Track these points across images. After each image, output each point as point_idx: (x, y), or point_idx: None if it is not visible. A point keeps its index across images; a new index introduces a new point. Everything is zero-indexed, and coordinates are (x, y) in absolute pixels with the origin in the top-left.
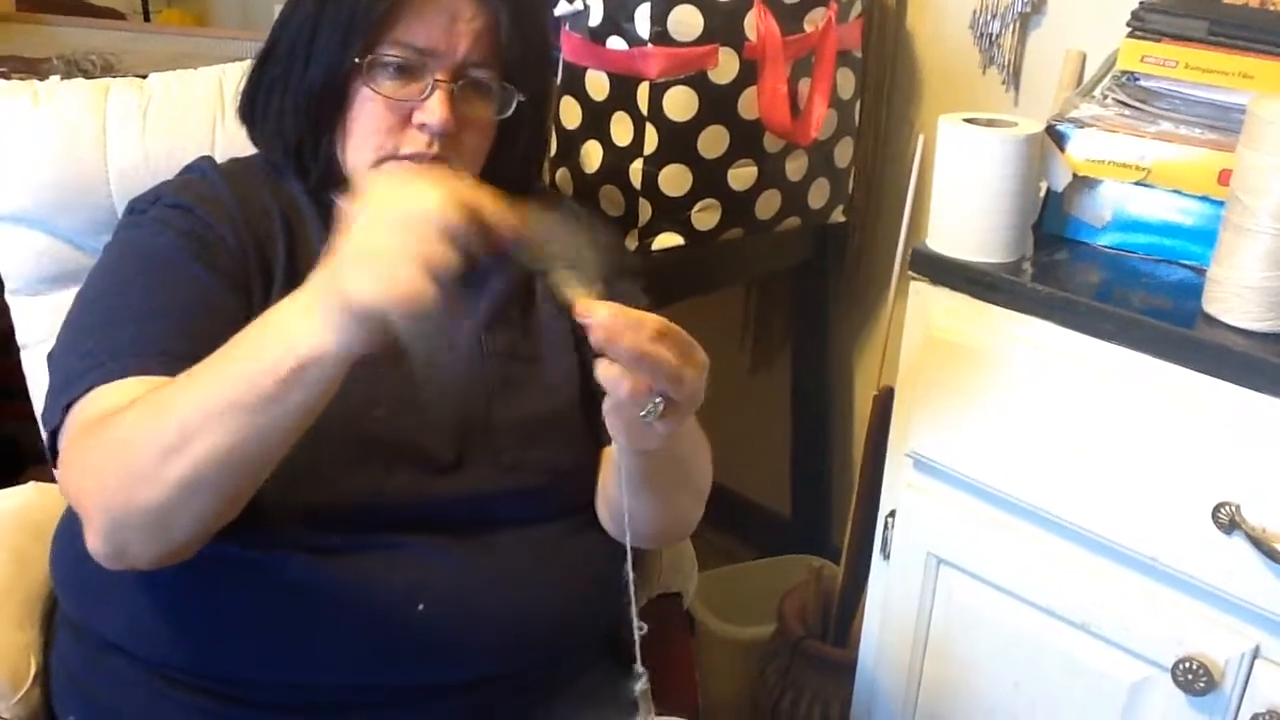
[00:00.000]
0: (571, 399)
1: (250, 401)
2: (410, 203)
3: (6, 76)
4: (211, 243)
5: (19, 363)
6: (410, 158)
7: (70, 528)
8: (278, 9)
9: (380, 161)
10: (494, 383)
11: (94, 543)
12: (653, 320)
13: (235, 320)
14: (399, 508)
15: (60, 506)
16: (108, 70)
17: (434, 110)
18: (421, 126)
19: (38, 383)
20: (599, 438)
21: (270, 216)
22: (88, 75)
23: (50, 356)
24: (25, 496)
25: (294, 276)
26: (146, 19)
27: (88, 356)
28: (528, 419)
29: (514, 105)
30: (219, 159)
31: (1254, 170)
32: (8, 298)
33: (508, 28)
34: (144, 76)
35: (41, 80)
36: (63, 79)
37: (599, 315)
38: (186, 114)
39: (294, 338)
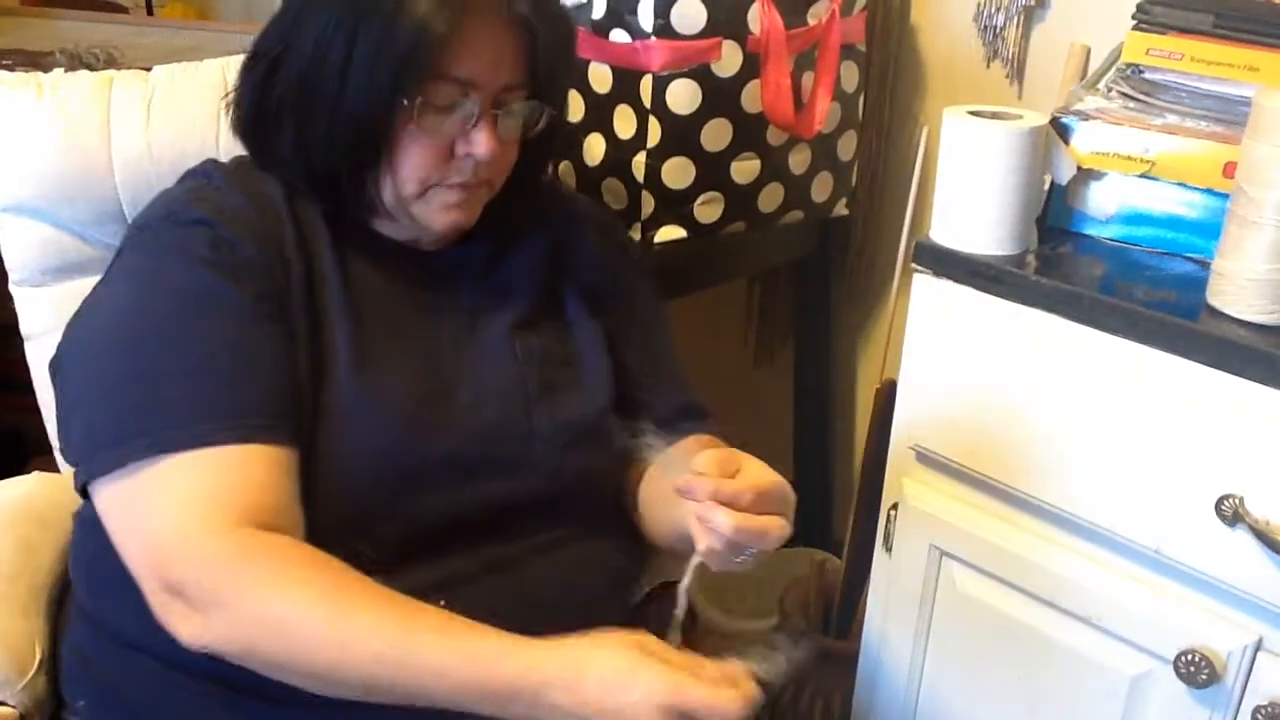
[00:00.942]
0: (606, 402)
1: (423, 680)
2: None
3: (10, 69)
4: (242, 263)
5: (22, 354)
6: (457, 186)
7: (90, 521)
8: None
9: (424, 191)
10: (533, 389)
11: (183, 631)
12: (749, 494)
13: (284, 346)
14: (429, 517)
15: (64, 496)
16: (111, 63)
17: (481, 143)
18: (467, 156)
19: (40, 374)
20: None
21: (281, 221)
22: (91, 68)
23: (69, 400)
24: (29, 486)
25: (311, 293)
26: (150, 12)
27: (147, 409)
28: (566, 425)
29: (544, 121)
30: (222, 153)
31: (1259, 163)
32: (11, 288)
33: (545, 49)
34: (148, 69)
35: (45, 73)
36: (66, 72)
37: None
38: (190, 107)
39: (509, 672)
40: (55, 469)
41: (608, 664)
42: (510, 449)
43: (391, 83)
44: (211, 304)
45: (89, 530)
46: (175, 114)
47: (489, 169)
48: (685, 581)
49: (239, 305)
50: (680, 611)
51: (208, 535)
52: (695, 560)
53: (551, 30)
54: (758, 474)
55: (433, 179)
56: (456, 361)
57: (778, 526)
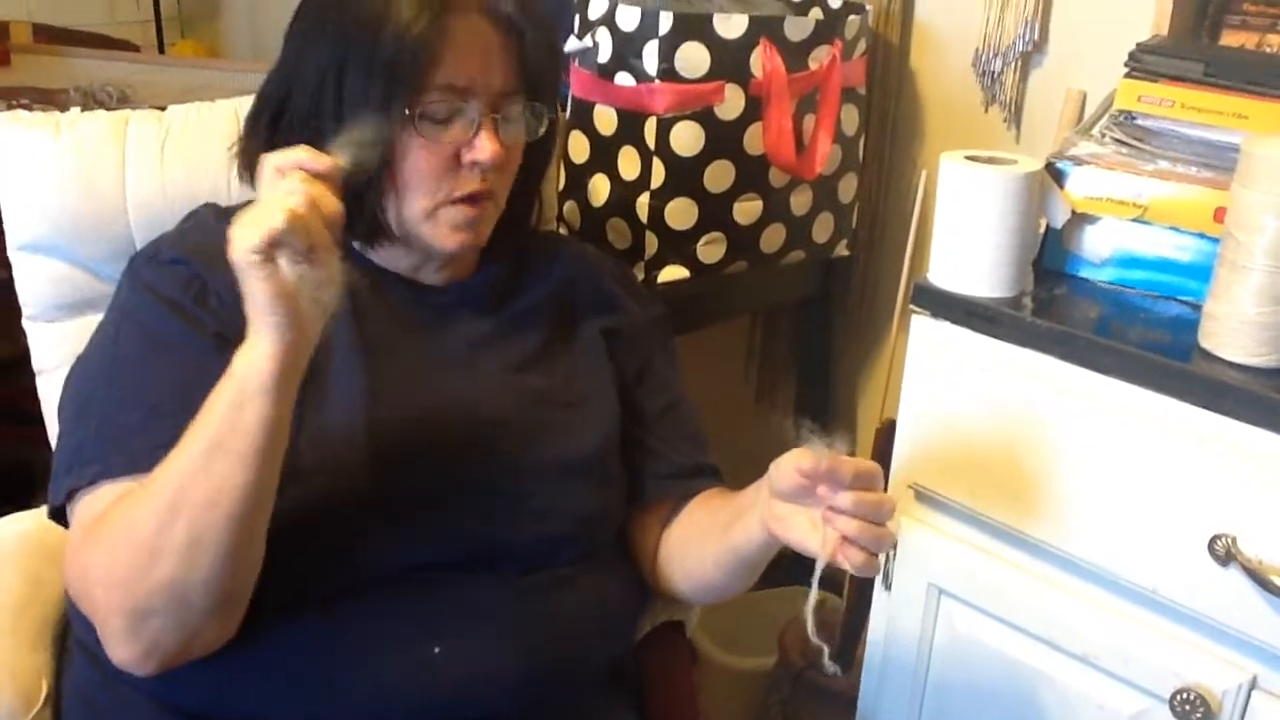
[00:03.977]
0: (608, 443)
1: (222, 436)
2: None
3: (28, 108)
4: (210, 303)
5: (33, 387)
6: (466, 199)
7: None
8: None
9: (436, 209)
10: (529, 427)
11: (121, 650)
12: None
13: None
14: (421, 552)
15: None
16: (124, 101)
17: (485, 148)
18: (473, 165)
19: (51, 407)
20: (633, 482)
21: None
22: (104, 106)
23: (59, 417)
24: (39, 520)
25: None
26: (161, 50)
27: (91, 444)
28: (560, 466)
29: (545, 124)
30: (235, 192)
31: (1248, 208)
32: (25, 323)
33: (533, 48)
34: (162, 108)
35: (61, 111)
36: (81, 110)
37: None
38: (203, 146)
39: (235, 367)
40: None
41: None
42: (498, 489)
43: (385, 96)
44: (168, 344)
45: None
46: (189, 153)
47: (495, 176)
48: (810, 600)
49: (193, 345)
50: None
51: (79, 556)
52: (820, 565)
53: (538, 31)
54: (847, 459)
55: (440, 193)
56: (449, 400)
57: (888, 497)
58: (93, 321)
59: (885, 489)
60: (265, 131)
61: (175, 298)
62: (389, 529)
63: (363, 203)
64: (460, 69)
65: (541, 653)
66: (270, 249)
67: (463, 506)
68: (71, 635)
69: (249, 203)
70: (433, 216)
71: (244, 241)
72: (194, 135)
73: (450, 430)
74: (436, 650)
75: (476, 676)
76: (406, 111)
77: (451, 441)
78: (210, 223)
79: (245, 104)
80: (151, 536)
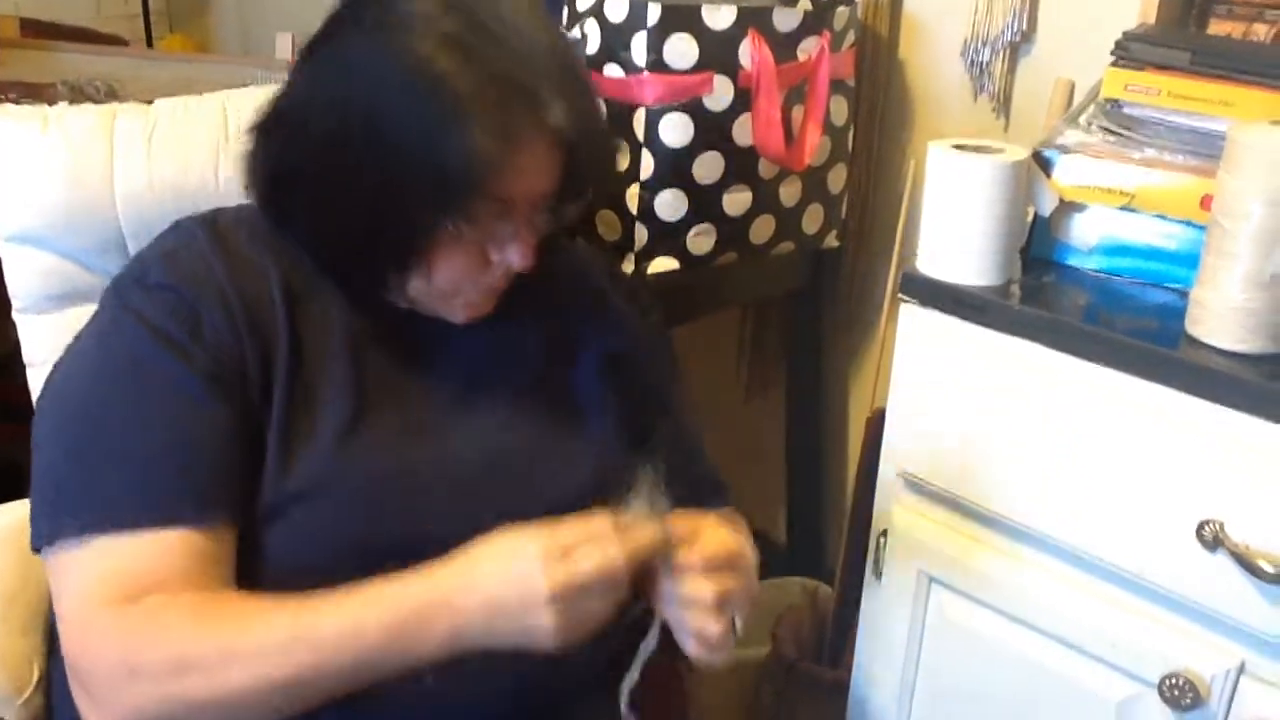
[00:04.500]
0: (604, 473)
1: (374, 663)
2: (594, 573)
3: (16, 102)
4: (201, 335)
5: (25, 382)
6: (487, 288)
7: None
8: (277, 36)
9: (456, 294)
10: (524, 464)
11: (101, 714)
12: (725, 558)
13: (235, 426)
14: None
15: None
16: (112, 96)
17: (521, 255)
18: (503, 263)
19: None
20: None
21: (267, 289)
22: (92, 100)
23: (36, 434)
24: (28, 509)
25: (298, 367)
26: (149, 45)
27: (76, 490)
28: (555, 502)
29: (576, 214)
30: (222, 185)
31: (1233, 195)
32: (15, 316)
33: (589, 161)
34: (149, 102)
35: (49, 105)
36: (69, 104)
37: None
38: (190, 139)
39: (456, 638)
40: None
41: (492, 551)
42: (492, 527)
43: (434, 201)
44: (156, 381)
45: None
46: (176, 146)
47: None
48: (634, 670)
49: (185, 383)
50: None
51: (98, 623)
52: (647, 645)
53: (595, 143)
54: (712, 541)
55: (465, 284)
56: (444, 436)
57: (717, 594)
58: (81, 312)
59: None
60: (278, 158)
61: (166, 329)
62: (367, 570)
63: (377, 273)
64: (515, 185)
65: (536, 665)
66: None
67: (446, 549)
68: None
69: (240, 209)
70: (451, 299)
71: (555, 585)
72: (181, 128)
73: (439, 471)
74: (429, 680)
75: (473, 695)
76: (450, 225)
77: (435, 492)
78: (202, 243)
79: (233, 98)
80: (199, 678)
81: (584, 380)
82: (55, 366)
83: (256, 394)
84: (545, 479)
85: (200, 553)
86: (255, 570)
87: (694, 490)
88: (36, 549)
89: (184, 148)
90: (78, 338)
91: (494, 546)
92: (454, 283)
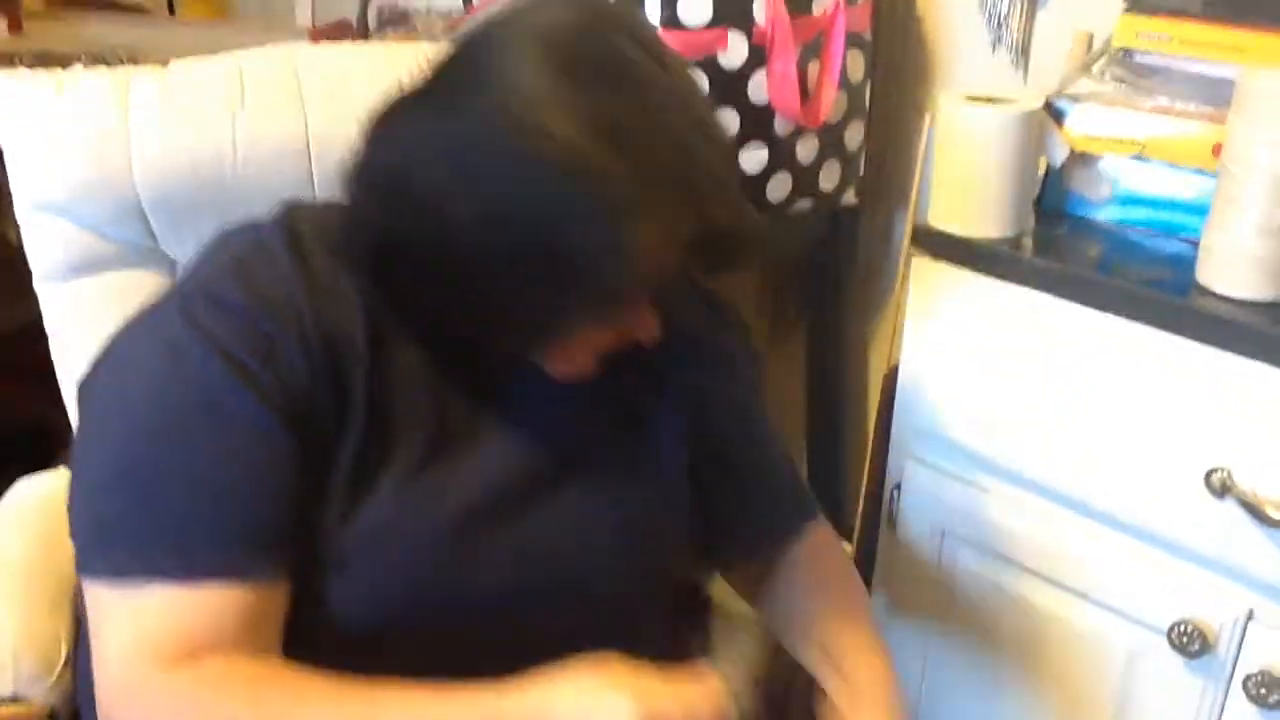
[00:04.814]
0: (680, 511)
1: None
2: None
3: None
4: (275, 365)
5: (48, 349)
6: (600, 359)
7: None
8: (300, 1)
9: (566, 364)
10: (602, 506)
11: None
12: None
13: (301, 464)
14: (469, 649)
15: None
16: (133, 63)
17: (650, 330)
18: (629, 339)
19: (66, 370)
20: (712, 536)
21: (348, 323)
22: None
23: (77, 466)
24: (54, 482)
25: (374, 409)
26: (171, 12)
27: (136, 528)
28: (633, 547)
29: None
30: (239, 148)
31: (1243, 142)
32: (36, 285)
33: (742, 249)
34: (165, 64)
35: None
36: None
37: None
38: (205, 102)
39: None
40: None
41: (575, 690)
42: (568, 574)
43: (580, 307)
44: (226, 411)
45: None
46: (191, 110)
47: None
48: None
49: (257, 417)
50: None
51: (149, 683)
52: None
53: (753, 234)
54: None
55: (581, 359)
56: (520, 475)
57: None
58: (99, 281)
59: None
60: (369, 251)
61: (240, 356)
62: (430, 623)
63: (488, 345)
64: (668, 279)
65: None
66: None
67: (523, 598)
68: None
69: (318, 212)
70: (560, 366)
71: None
72: (196, 91)
73: (516, 512)
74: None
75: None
76: (590, 319)
77: (516, 528)
78: (282, 261)
79: (249, 60)
80: None
81: (666, 417)
82: (101, 365)
83: (325, 434)
84: (619, 534)
85: (258, 609)
86: (311, 621)
87: (776, 508)
88: (80, 571)
89: (199, 110)
90: (127, 339)
91: (578, 684)
92: (572, 360)
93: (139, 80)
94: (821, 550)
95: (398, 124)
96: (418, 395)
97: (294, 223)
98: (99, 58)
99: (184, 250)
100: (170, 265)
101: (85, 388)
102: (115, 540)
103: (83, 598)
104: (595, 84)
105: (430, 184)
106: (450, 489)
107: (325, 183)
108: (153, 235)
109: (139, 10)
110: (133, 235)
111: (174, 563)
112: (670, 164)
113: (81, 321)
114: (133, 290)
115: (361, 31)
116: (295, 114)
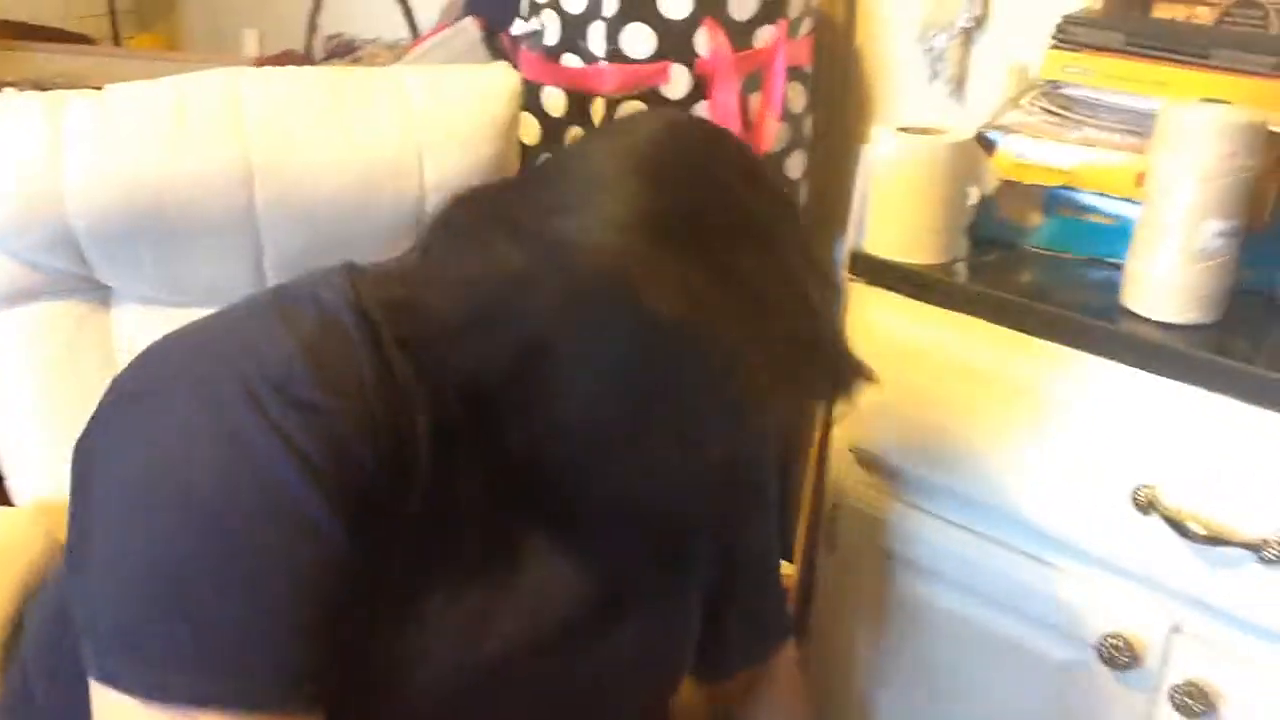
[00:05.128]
0: (695, 635)
1: None
2: None
3: None
4: (351, 472)
5: None
6: None
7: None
8: (247, 32)
9: None
10: (630, 642)
11: None
12: None
13: (353, 582)
14: None
15: (13, 531)
16: None
17: None
18: None
19: None
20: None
21: (415, 424)
22: None
23: (97, 549)
24: None
25: (432, 523)
26: (117, 43)
27: (182, 642)
28: (653, 677)
29: None
30: (178, 175)
31: (1164, 172)
32: None
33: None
34: (99, 88)
35: None
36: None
37: None
38: (143, 127)
39: None
40: (7, 501)
41: None
42: (597, 706)
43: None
44: (298, 528)
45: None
46: (130, 135)
47: None
48: None
49: (334, 532)
50: None
51: None
52: None
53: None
54: None
55: None
56: (563, 606)
57: None
58: (30, 311)
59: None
60: (457, 379)
61: (316, 459)
62: None
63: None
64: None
65: None
66: None
67: None
68: (20, 647)
69: (379, 285)
70: None
71: None
72: (136, 115)
73: (550, 643)
74: None
75: None
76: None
77: (547, 660)
78: (354, 342)
79: (188, 83)
80: None
81: (705, 542)
82: (122, 437)
83: (381, 544)
84: (648, 665)
85: None
86: None
87: (764, 633)
88: (96, 674)
89: (138, 135)
90: (163, 411)
91: None
92: None
93: (73, 104)
94: (786, 671)
95: (514, 252)
96: (468, 515)
97: (357, 293)
98: (38, 85)
99: (119, 279)
100: (105, 294)
101: (99, 456)
102: (156, 657)
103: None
104: (731, 247)
105: (569, 357)
106: (492, 619)
107: (267, 211)
108: (87, 264)
109: (85, 41)
110: (66, 264)
111: (232, 692)
112: (796, 332)
113: (13, 352)
114: (66, 320)
115: (308, 62)
116: (237, 140)
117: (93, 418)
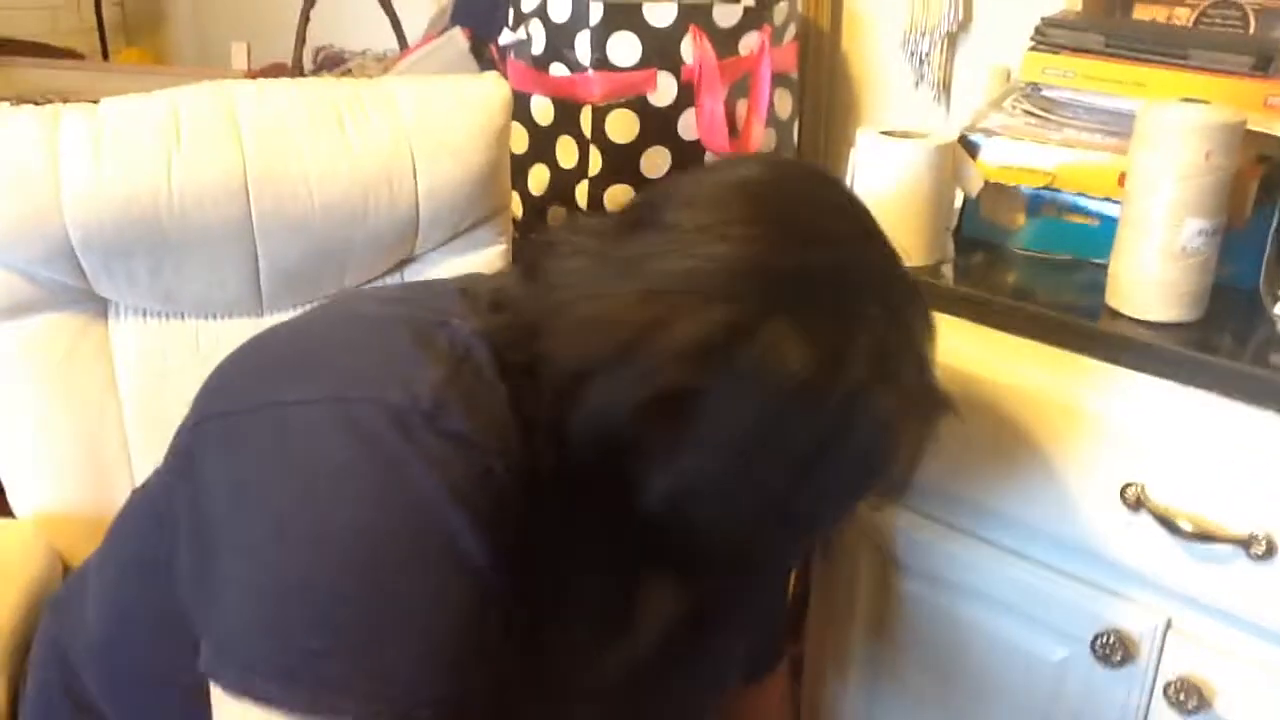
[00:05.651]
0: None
1: None
2: None
3: None
4: (496, 503)
5: None
6: None
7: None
8: (235, 45)
9: None
10: (674, 691)
11: None
12: None
13: (504, 610)
14: None
15: (16, 543)
16: None
17: None
18: None
19: None
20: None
21: (538, 462)
22: None
23: (239, 560)
24: None
25: (528, 564)
26: (105, 58)
27: (327, 660)
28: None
29: None
30: (175, 186)
31: (1144, 171)
32: None
33: None
34: (96, 102)
35: None
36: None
37: None
38: (139, 139)
39: None
40: (8, 513)
41: None
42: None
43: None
44: (451, 560)
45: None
46: (125, 148)
47: None
48: None
49: (483, 570)
50: None
51: None
52: None
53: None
54: None
55: None
56: (656, 631)
57: None
58: (26, 324)
59: None
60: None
61: (470, 492)
62: None
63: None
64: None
65: None
66: None
67: None
68: (32, 658)
69: (491, 328)
70: None
71: None
72: (130, 129)
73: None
74: None
75: None
76: None
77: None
78: (496, 381)
79: (183, 96)
80: None
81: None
82: (261, 445)
83: (518, 577)
84: (694, 704)
85: None
86: None
87: (760, 658)
88: (225, 683)
89: (133, 149)
90: (306, 429)
91: None
92: None
93: (69, 117)
94: (773, 698)
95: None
96: (580, 545)
97: (492, 332)
98: (29, 100)
99: (117, 291)
100: (103, 306)
101: (225, 471)
102: (313, 684)
103: (18, 659)
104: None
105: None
106: (600, 649)
107: (263, 221)
108: (85, 276)
109: (74, 56)
110: (64, 276)
111: (381, 711)
112: (923, 389)
113: (12, 364)
114: (65, 332)
115: (297, 74)
116: (233, 152)
117: (207, 418)
